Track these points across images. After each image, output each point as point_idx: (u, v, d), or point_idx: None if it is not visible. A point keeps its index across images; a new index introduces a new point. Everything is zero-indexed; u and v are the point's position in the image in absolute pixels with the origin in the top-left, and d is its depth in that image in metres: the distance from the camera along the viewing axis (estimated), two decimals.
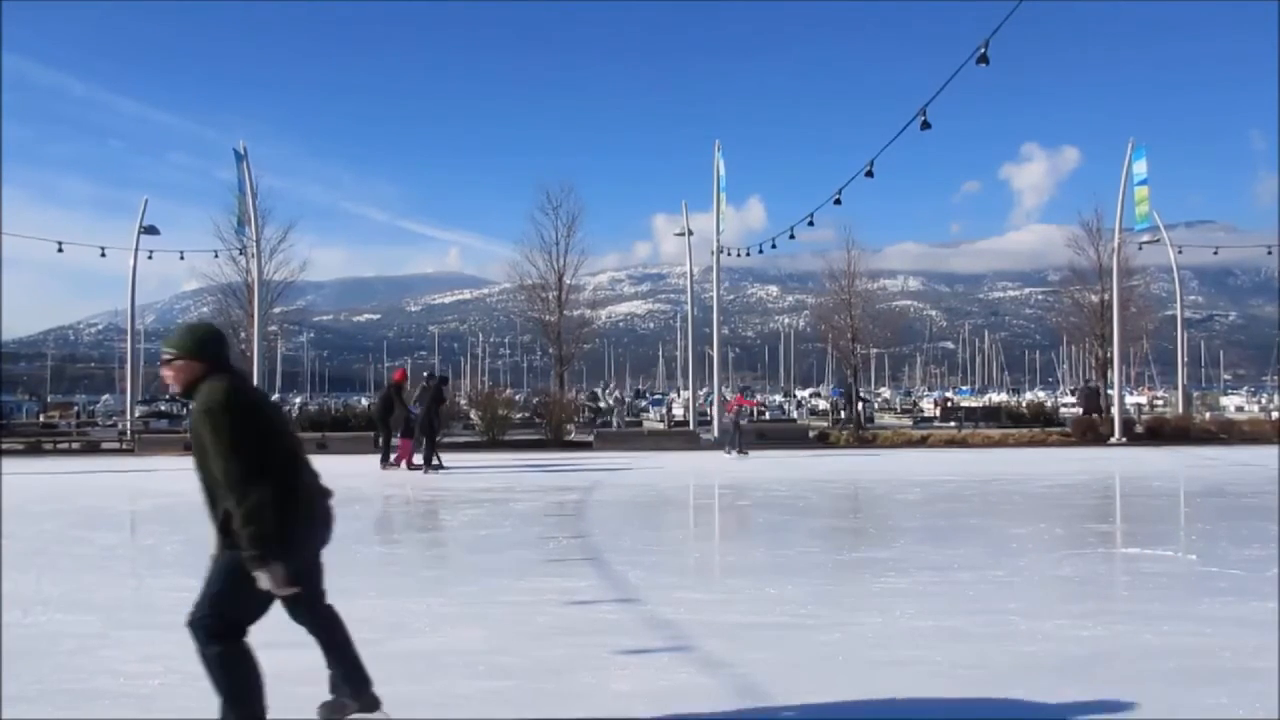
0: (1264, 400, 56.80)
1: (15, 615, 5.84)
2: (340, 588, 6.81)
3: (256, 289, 25.11)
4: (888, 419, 40.42)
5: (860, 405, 29.09)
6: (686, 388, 35.78)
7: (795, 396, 60.13)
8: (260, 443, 3.34)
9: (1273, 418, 30.95)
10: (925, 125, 13.65)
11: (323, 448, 22.17)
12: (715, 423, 24.98)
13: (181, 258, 27.33)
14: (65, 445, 24.35)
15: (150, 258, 26.84)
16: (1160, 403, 45.91)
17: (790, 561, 7.96)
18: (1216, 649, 4.99)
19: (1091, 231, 28.53)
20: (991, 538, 9.22)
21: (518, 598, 6.40)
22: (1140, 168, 23.83)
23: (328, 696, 3.91)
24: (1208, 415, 33.05)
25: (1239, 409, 46.27)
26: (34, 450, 22.82)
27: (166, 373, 3.53)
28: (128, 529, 11.00)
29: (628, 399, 46.34)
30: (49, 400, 56.74)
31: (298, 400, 63.14)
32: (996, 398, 65.82)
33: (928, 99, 13.52)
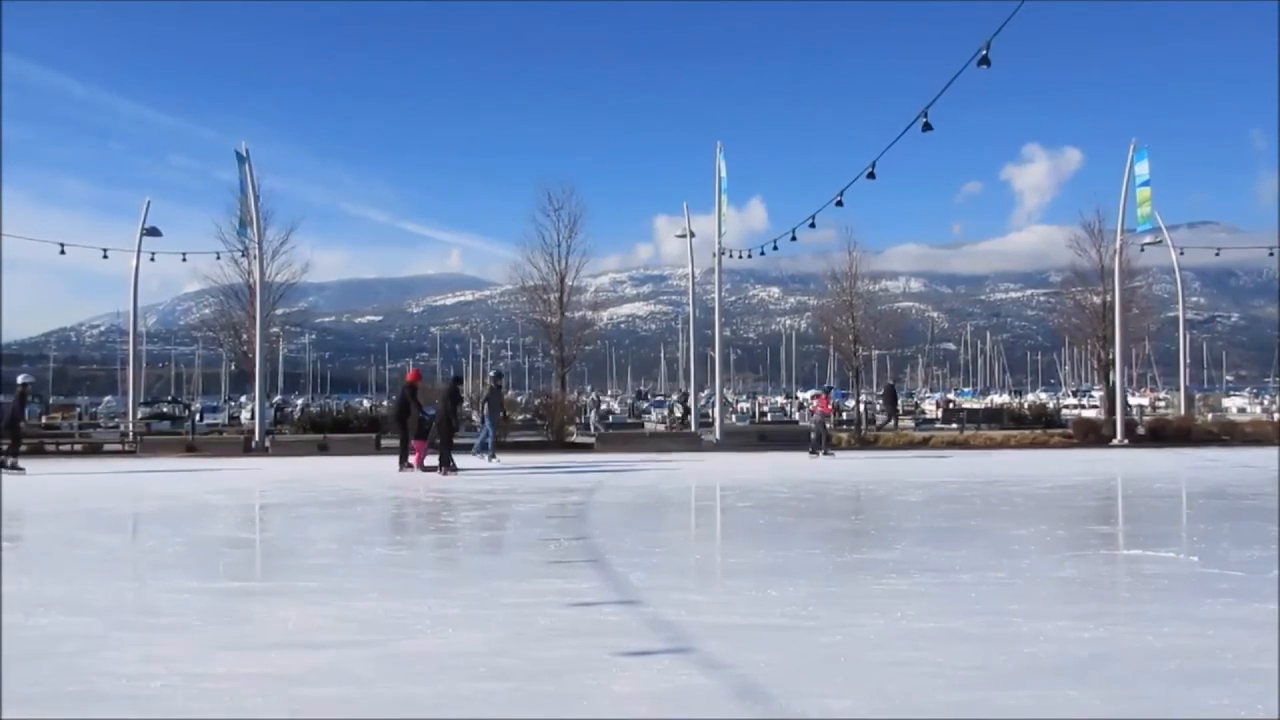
0: (1266, 401, 56.64)
1: (17, 617, 5.84)
2: (343, 589, 6.86)
3: (258, 290, 25.11)
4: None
5: (899, 406, 29.10)
6: (689, 389, 35.76)
7: (796, 398, 60.05)
8: None
9: (1275, 419, 30.91)
10: (927, 126, 13.65)
11: (324, 449, 22.22)
12: (716, 424, 25.01)
13: (183, 259, 27.34)
14: (67, 447, 24.35)
15: (152, 259, 26.86)
16: (1162, 404, 45.91)
17: (791, 563, 7.96)
18: (1218, 650, 4.99)
19: (1093, 232, 28.49)
20: (993, 539, 9.22)
21: (519, 599, 6.40)
22: (1142, 169, 23.83)
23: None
24: (1209, 416, 33.03)
25: (1241, 410, 46.16)
26: (36, 452, 22.82)
27: None
28: (129, 531, 11.01)
29: (605, 404, 46.62)
30: (51, 402, 56.77)
31: (299, 402, 63.18)
32: (998, 399, 65.85)
33: (929, 100, 13.54)
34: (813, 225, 21.36)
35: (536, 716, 4.07)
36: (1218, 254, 35.76)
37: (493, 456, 18.90)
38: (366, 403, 50.63)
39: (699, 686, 4.42)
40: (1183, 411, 30.01)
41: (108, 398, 64.74)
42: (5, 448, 17.15)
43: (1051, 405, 45.96)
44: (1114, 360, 26.12)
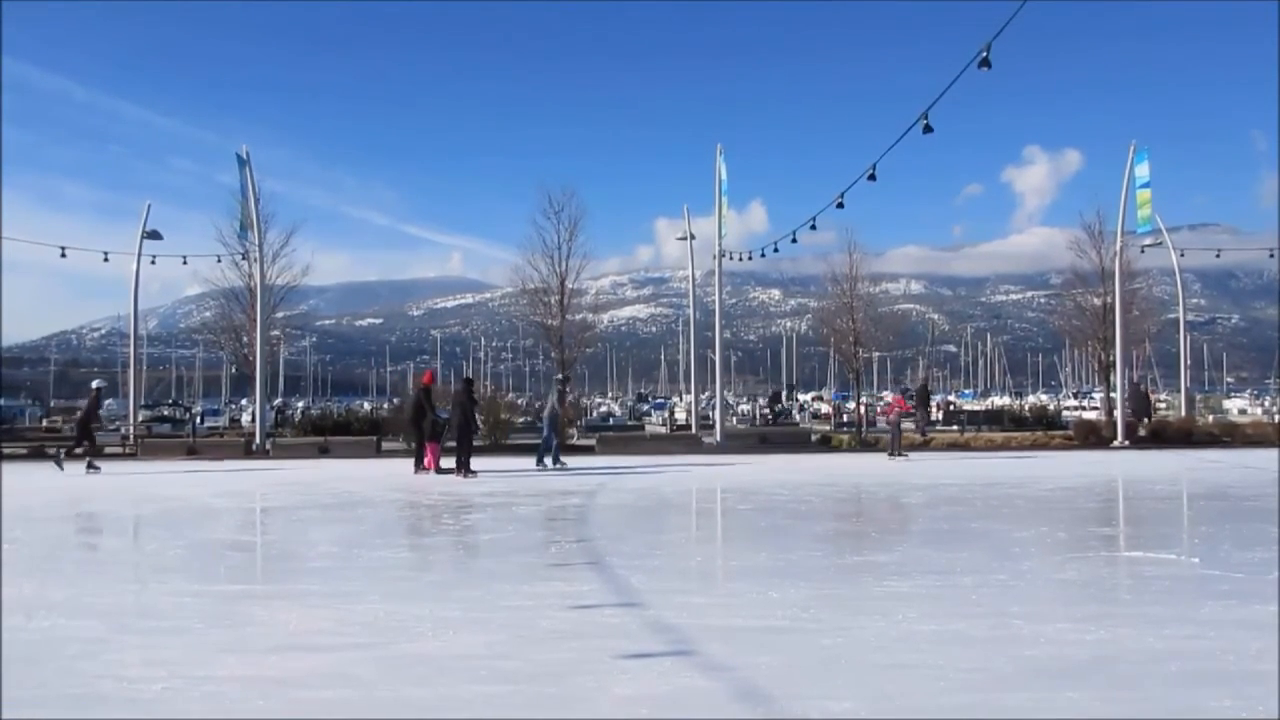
0: (1267, 403, 56.64)
1: (18, 620, 5.85)
2: (344, 591, 6.86)
3: (259, 293, 25.12)
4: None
5: (933, 408, 28.92)
6: (689, 391, 35.80)
7: (797, 400, 60.05)
8: None
9: (1275, 420, 30.89)
10: (927, 129, 13.64)
11: (325, 451, 22.22)
12: (716, 427, 24.98)
13: (184, 262, 27.32)
14: (68, 449, 24.31)
15: (153, 262, 26.92)
16: (1163, 405, 45.83)
17: (792, 565, 7.95)
18: (1219, 652, 4.99)
19: (1093, 234, 28.47)
20: (994, 541, 9.21)
21: (520, 602, 6.40)
22: (1142, 170, 23.83)
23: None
24: (1210, 418, 32.98)
25: (1242, 412, 46.19)
26: (37, 455, 22.83)
27: None
28: (130, 533, 11.01)
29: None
30: (52, 405, 56.82)
31: (300, 404, 63.22)
32: (999, 401, 65.85)
33: (930, 102, 13.54)
34: (813, 227, 21.37)
35: (537, 718, 4.08)
36: (1218, 256, 35.80)
37: (557, 461, 18.26)
38: (367, 405, 50.62)
39: (700, 688, 4.42)
40: (1183, 413, 29.99)
41: (109, 400, 64.71)
42: (80, 450, 17.95)
43: (1052, 407, 46.01)
44: (1115, 362, 26.11)
